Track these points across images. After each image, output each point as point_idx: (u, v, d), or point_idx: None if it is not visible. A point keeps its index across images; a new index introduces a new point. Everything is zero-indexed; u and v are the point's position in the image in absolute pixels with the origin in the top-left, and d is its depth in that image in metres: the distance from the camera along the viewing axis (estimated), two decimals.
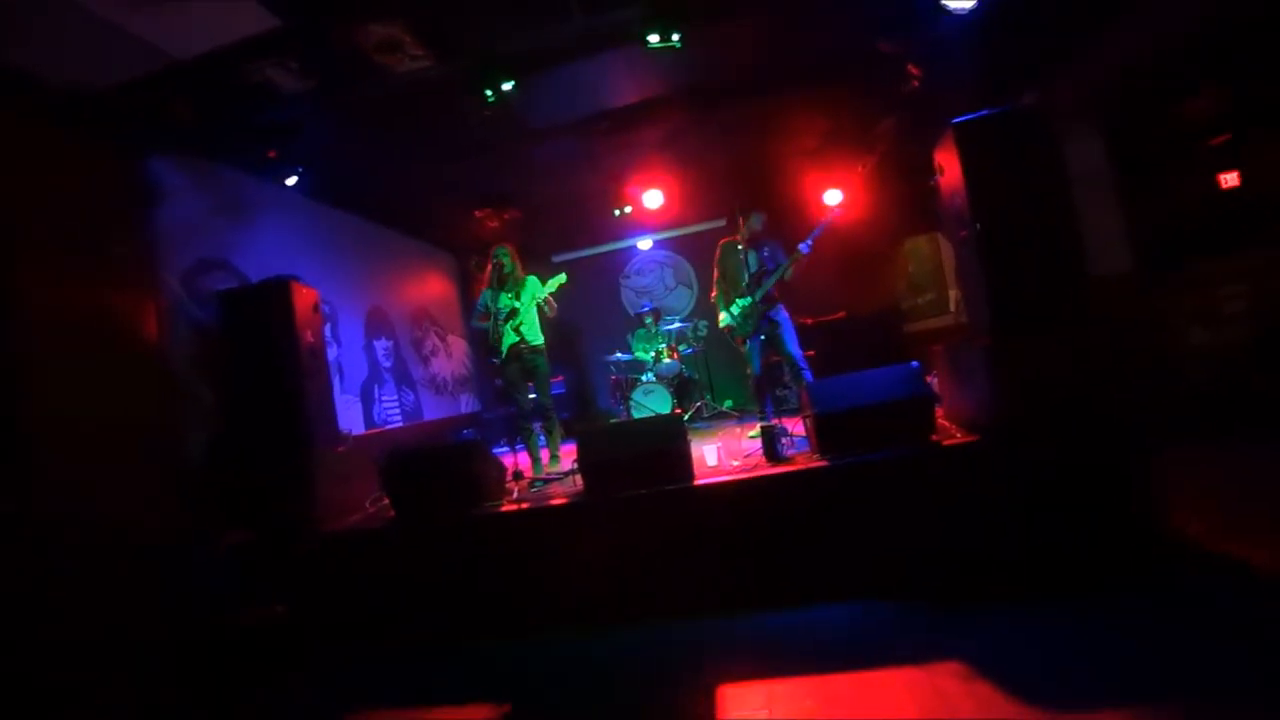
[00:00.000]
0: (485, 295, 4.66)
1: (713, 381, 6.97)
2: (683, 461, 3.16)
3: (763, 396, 4.64)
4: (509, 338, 4.51)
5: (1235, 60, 3.92)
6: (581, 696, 2.49)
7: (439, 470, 3.43)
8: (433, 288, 7.72)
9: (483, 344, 6.27)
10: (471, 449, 3.56)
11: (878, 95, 5.15)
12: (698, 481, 3.12)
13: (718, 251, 4.83)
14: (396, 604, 3.28)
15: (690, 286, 8.30)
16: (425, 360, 7.02)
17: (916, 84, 4.58)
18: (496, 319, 4.55)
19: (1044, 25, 4.33)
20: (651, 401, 5.95)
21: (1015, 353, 2.82)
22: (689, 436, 3.27)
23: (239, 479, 3.60)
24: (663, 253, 8.36)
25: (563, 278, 4.68)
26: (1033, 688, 1.97)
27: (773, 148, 6.50)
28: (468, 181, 6.07)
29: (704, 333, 6.75)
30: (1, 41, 2.96)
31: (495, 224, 6.67)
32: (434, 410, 6.89)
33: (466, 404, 7.77)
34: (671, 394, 5.97)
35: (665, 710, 2.28)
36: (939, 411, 3.39)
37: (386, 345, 6.28)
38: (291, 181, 4.55)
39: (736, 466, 3.38)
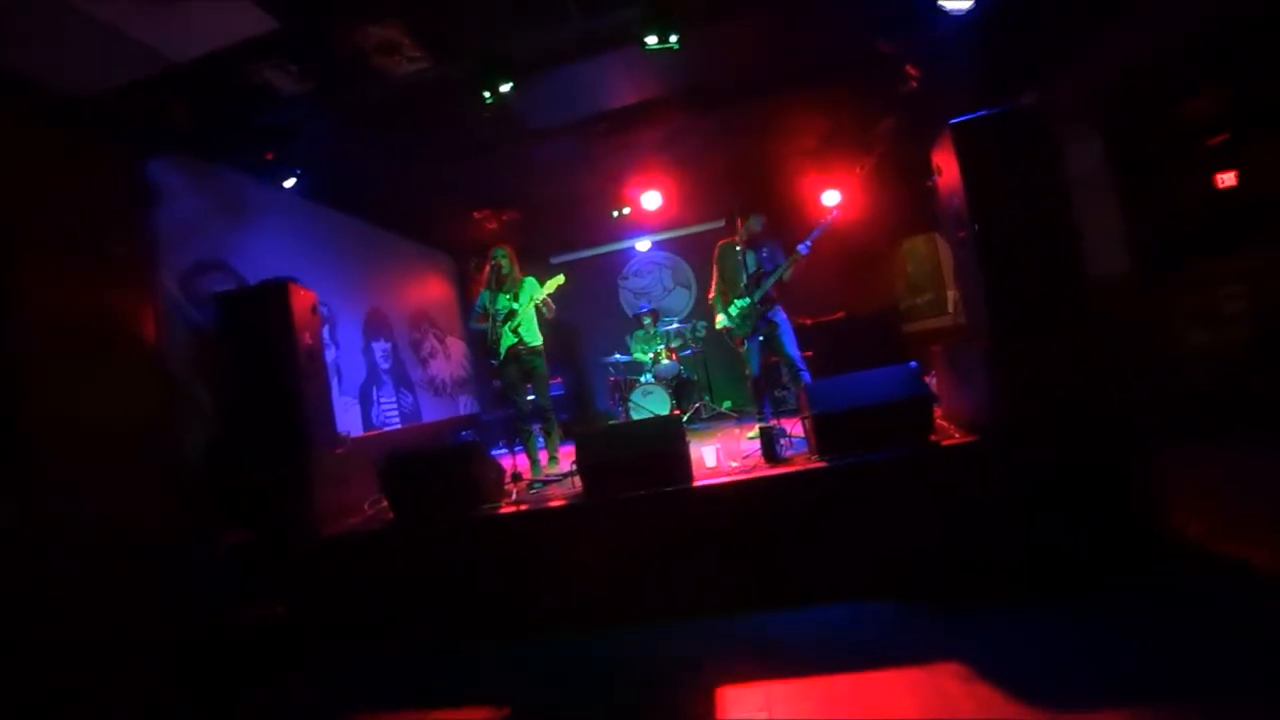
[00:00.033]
0: (483, 297, 4.66)
1: (711, 383, 6.97)
2: (681, 463, 3.15)
3: (761, 397, 4.64)
4: (507, 339, 4.51)
5: (1235, 60, 3.92)
6: (581, 697, 2.49)
7: (438, 472, 3.43)
8: (431, 289, 7.71)
9: (481, 345, 6.29)
10: (470, 451, 3.55)
11: (877, 96, 5.16)
12: (697, 483, 3.12)
13: (716, 252, 4.83)
14: (396, 605, 3.28)
15: (689, 288, 8.30)
16: (424, 362, 7.01)
17: (915, 84, 4.59)
18: (495, 320, 4.54)
19: (1043, 25, 4.34)
20: (650, 403, 5.95)
21: (1014, 353, 2.82)
22: (688, 438, 3.27)
23: (238, 480, 3.60)
24: (661, 254, 8.35)
25: (561, 279, 4.68)
26: (1033, 688, 1.96)
27: (771, 148, 6.50)
28: (466, 183, 6.07)
29: (702, 334, 6.75)
30: (2, 44, 2.97)
31: (494, 225, 6.68)
32: (432, 412, 6.88)
33: (465, 406, 7.76)
34: (670, 395, 5.97)
35: (665, 711, 2.28)
36: (938, 412, 3.39)
37: (385, 347, 6.27)
38: (290, 183, 4.54)
39: (735, 468, 3.38)
